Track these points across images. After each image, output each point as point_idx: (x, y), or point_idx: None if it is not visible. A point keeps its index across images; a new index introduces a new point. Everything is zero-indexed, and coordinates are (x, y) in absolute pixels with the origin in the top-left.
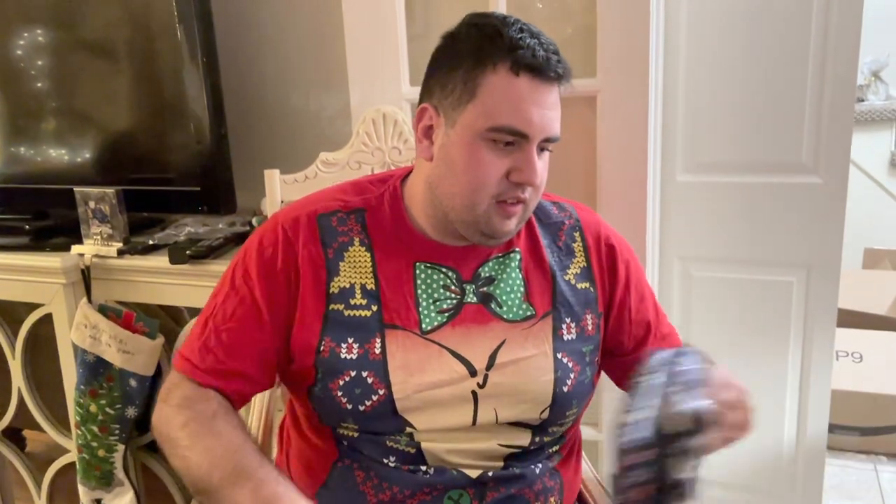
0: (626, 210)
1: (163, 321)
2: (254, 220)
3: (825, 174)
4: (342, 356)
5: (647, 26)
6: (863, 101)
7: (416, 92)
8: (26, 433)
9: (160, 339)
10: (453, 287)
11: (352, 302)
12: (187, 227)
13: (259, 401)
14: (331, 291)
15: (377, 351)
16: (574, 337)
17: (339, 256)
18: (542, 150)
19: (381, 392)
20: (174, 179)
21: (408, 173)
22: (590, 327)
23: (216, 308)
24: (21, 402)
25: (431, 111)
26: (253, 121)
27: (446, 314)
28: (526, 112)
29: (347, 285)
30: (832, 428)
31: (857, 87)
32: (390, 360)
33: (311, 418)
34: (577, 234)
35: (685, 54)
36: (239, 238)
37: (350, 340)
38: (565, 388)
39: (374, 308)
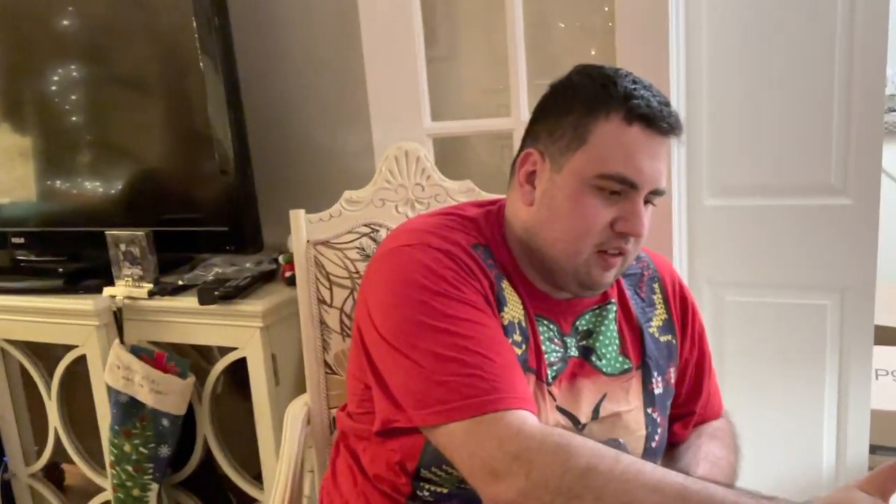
0: (651, 236)
1: (194, 360)
2: (280, 258)
3: (855, 195)
4: None
5: (666, 49)
6: (894, 111)
7: (437, 127)
8: (65, 466)
9: (191, 379)
10: (556, 340)
11: (514, 338)
12: (216, 268)
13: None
14: (502, 323)
15: None
16: (661, 391)
17: (501, 286)
18: (646, 202)
19: None
20: (202, 220)
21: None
22: (672, 380)
23: (438, 350)
24: (58, 440)
25: (536, 156)
26: (277, 159)
27: (555, 367)
28: (637, 161)
29: (511, 318)
30: (874, 449)
31: (889, 98)
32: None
33: (394, 461)
34: (656, 286)
35: (707, 76)
36: (266, 276)
37: None
38: (653, 444)
39: (524, 348)
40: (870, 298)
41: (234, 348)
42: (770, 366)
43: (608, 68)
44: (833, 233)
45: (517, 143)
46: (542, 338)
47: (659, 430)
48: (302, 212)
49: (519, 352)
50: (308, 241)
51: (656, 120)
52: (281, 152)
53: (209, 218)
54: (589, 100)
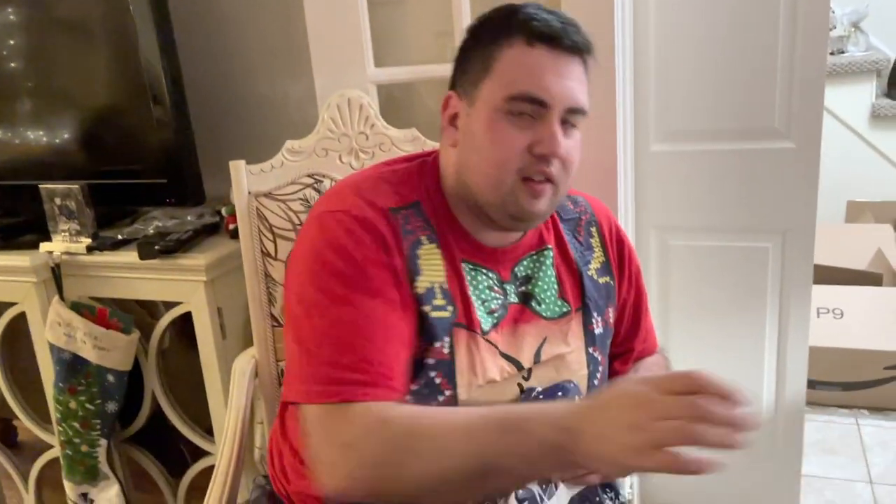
0: (596, 182)
1: (138, 315)
2: (223, 210)
3: (798, 139)
4: (424, 359)
5: None
6: (843, 52)
7: (381, 74)
8: (17, 423)
9: (135, 334)
10: (496, 288)
11: (435, 303)
12: (156, 221)
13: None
14: (417, 293)
15: (445, 351)
16: (601, 331)
17: (416, 255)
18: (567, 124)
19: (448, 393)
20: (140, 172)
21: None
22: (611, 320)
23: (319, 330)
24: (2, 398)
25: (455, 97)
26: (218, 108)
27: (495, 315)
28: (543, 80)
29: (429, 284)
30: (814, 384)
31: (837, 40)
32: (457, 361)
33: None
34: (593, 230)
35: (654, 20)
36: (209, 229)
37: (430, 343)
38: (596, 382)
39: (449, 309)
40: (810, 240)
41: (179, 302)
42: (713, 307)
43: (516, 3)
44: (776, 176)
45: None
46: (481, 286)
47: (600, 369)
48: (242, 163)
49: (446, 314)
50: (250, 193)
51: (558, 37)
52: (222, 101)
53: (148, 170)
54: (493, 30)
